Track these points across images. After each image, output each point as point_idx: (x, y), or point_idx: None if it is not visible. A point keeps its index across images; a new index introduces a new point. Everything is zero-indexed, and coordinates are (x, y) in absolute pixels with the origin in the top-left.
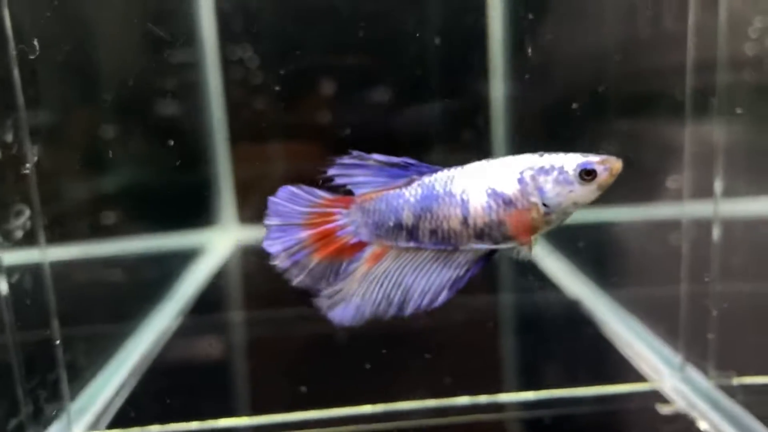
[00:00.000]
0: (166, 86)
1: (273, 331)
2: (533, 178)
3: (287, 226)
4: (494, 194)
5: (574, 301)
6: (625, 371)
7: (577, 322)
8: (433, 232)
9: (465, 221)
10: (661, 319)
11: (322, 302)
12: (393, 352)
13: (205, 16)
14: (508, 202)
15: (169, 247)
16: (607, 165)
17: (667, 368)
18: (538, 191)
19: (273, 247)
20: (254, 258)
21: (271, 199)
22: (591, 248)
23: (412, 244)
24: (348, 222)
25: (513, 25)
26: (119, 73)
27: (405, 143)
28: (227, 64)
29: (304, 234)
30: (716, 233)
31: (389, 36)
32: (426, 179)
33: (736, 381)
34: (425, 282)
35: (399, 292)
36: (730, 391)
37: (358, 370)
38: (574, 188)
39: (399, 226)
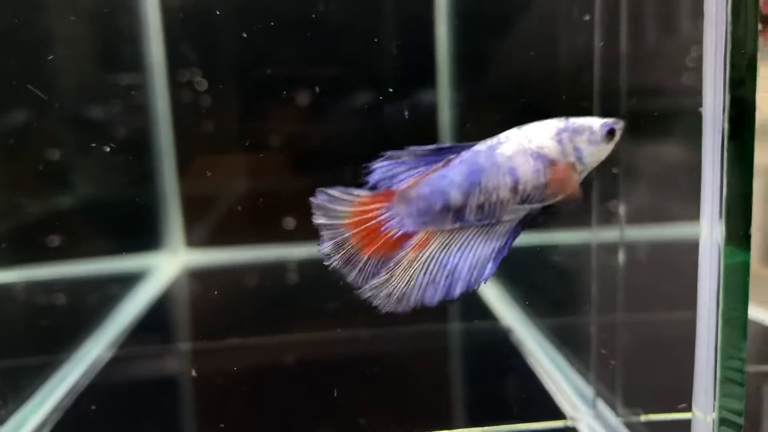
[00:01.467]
0: (111, 107)
1: (215, 362)
2: (570, 139)
3: (333, 227)
4: (539, 156)
5: (505, 330)
6: (544, 407)
7: (504, 354)
8: (480, 207)
9: (515, 188)
10: (579, 350)
11: (367, 291)
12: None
13: (153, 38)
14: (552, 163)
15: (110, 272)
16: (619, 126)
17: (583, 404)
18: (575, 151)
19: (325, 247)
20: (201, 283)
21: (313, 199)
22: (526, 274)
23: (457, 225)
24: (391, 215)
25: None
26: (61, 94)
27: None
28: (175, 85)
29: (348, 233)
30: (621, 258)
31: (337, 51)
32: (466, 154)
33: (644, 418)
34: (471, 259)
35: (445, 275)
36: (637, 430)
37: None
38: (601, 146)
39: (446, 208)
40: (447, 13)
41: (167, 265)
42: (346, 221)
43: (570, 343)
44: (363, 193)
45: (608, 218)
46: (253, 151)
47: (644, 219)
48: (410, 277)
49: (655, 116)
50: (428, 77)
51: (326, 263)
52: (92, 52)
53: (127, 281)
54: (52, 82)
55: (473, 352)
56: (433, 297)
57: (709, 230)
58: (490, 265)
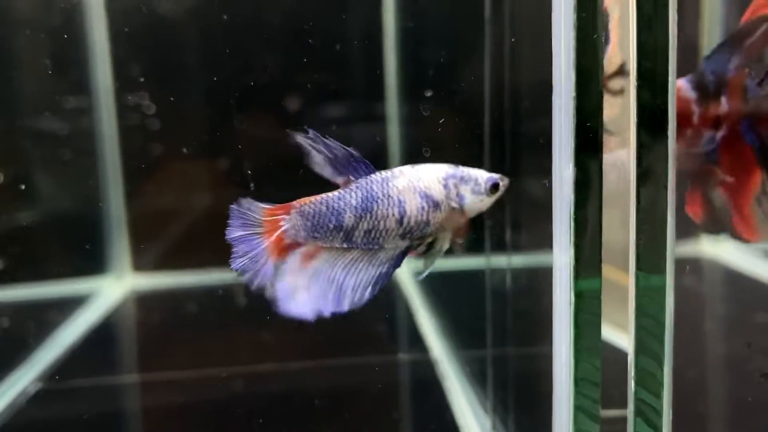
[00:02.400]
0: (56, 128)
1: (154, 396)
2: (456, 185)
3: (250, 238)
4: (426, 197)
5: (433, 363)
6: None
7: (426, 389)
8: (368, 232)
9: (400, 221)
10: (483, 381)
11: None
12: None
13: (99, 60)
14: (435, 205)
15: (51, 296)
16: (504, 182)
17: None
18: (458, 197)
19: (241, 264)
20: (146, 309)
21: (232, 206)
22: (458, 302)
23: (344, 245)
24: (290, 226)
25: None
26: (5, 115)
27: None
28: (121, 107)
29: (264, 244)
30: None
31: (286, 67)
32: (363, 181)
33: None
34: (355, 279)
35: (332, 289)
36: None
37: None
38: (483, 198)
39: (339, 228)
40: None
41: (112, 290)
42: (261, 231)
43: (479, 375)
44: (267, 205)
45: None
46: (201, 173)
47: (526, 246)
48: (308, 283)
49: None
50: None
51: (242, 278)
52: (37, 72)
53: (68, 306)
54: None
55: (398, 385)
56: (326, 307)
57: (560, 256)
58: (369, 290)
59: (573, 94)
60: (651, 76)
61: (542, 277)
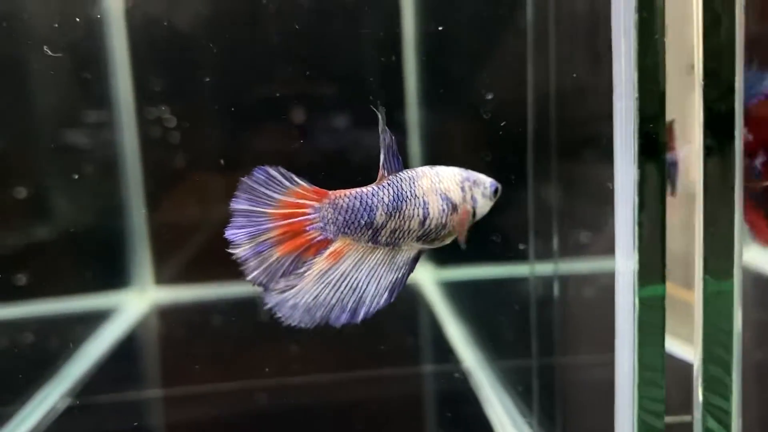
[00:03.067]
0: (78, 142)
1: (183, 411)
2: (470, 188)
3: (255, 214)
4: (446, 199)
5: (465, 374)
6: None
7: (461, 400)
8: (393, 232)
9: (423, 222)
10: (533, 396)
11: (270, 298)
12: None
13: (120, 73)
14: (453, 208)
15: (75, 311)
16: (499, 187)
17: None
18: (472, 200)
19: (235, 235)
20: (170, 322)
21: (245, 179)
22: (488, 312)
23: (370, 244)
24: (318, 217)
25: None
26: (27, 129)
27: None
28: (142, 120)
29: (272, 225)
30: (556, 293)
31: (307, 80)
32: (393, 179)
33: None
34: (376, 285)
35: (353, 297)
36: None
37: None
38: (488, 201)
39: (369, 225)
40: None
41: (135, 304)
42: (274, 211)
43: (519, 387)
44: (303, 183)
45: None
46: (222, 185)
47: (577, 252)
48: (320, 290)
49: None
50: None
51: (231, 251)
52: (58, 86)
53: (92, 321)
54: (16, 117)
55: (431, 398)
56: (339, 318)
57: (623, 262)
58: (386, 295)
59: (635, 95)
60: (717, 76)
61: (593, 284)
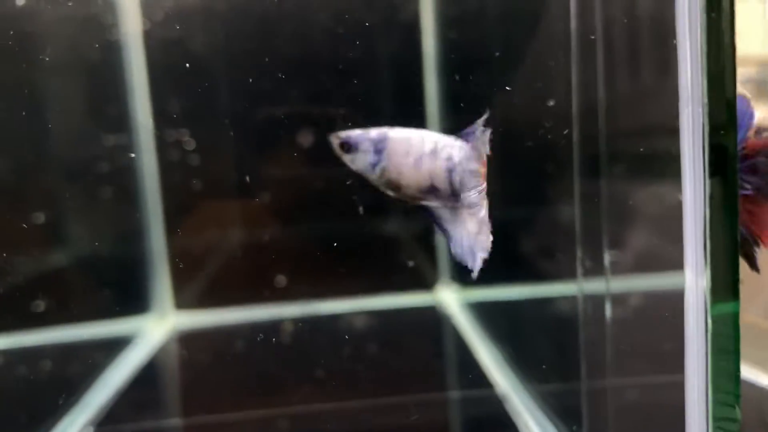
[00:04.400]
0: (96, 166)
1: None
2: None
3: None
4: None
5: (501, 398)
6: None
7: (498, 427)
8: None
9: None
10: (574, 421)
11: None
12: None
13: (138, 98)
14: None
15: (93, 337)
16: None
17: None
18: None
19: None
20: (191, 348)
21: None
22: (521, 333)
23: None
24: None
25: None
26: (46, 152)
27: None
28: (161, 143)
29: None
30: (608, 313)
31: (327, 99)
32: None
33: None
34: None
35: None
36: None
37: None
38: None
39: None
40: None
41: (155, 329)
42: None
43: (563, 412)
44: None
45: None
46: (242, 208)
47: (632, 268)
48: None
49: (637, 160)
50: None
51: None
52: (76, 109)
53: (113, 347)
54: (35, 140)
55: (465, 425)
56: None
57: (693, 279)
58: None
59: (704, 101)
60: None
61: (652, 302)
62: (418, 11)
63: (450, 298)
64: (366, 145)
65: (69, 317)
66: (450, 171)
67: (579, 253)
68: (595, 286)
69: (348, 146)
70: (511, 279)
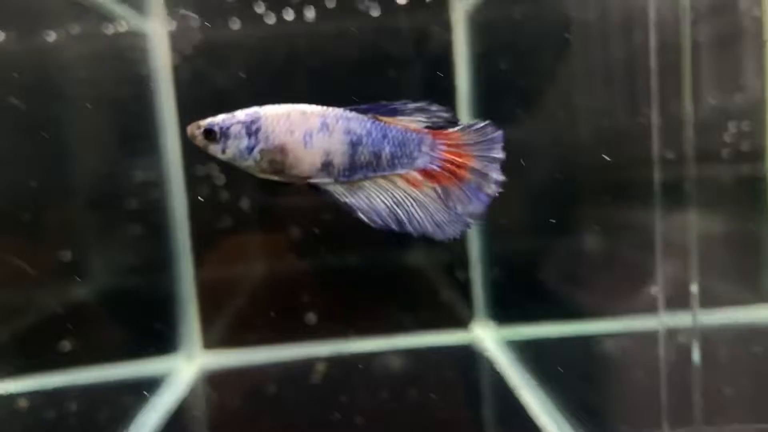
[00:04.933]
0: (124, 201)
1: None
2: None
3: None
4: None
5: None
6: None
7: None
8: None
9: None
10: None
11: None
12: None
13: (169, 133)
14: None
15: (121, 379)
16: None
17: None
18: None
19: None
20: (222, 390)
21: None
22: (568, 374)
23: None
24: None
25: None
26: (75, 185)
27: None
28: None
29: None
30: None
31: None
32: None
33: None
34: None
35: None
36: None
37: None
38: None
39: None
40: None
41: (184, 369)
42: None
43: None
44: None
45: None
46: (272, 245)
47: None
48: None
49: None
50: None
51: None
52: (106, 144)
53: (141, 389)
54: (62, 176)
55: None
56: None
57: None
58: None
59: None
60: None
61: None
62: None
63: (487, 336)
64: (236, 129)
65: (95, 357)
66: (354, 145)
67: (658, 284)
68: (679, 320)
69: (214, 134)
70: (561, 315)
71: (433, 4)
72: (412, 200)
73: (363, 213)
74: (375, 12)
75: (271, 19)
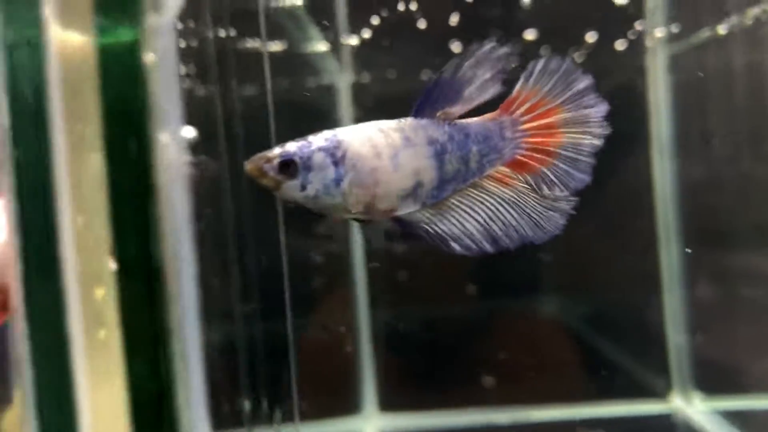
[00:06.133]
0: None
1: None
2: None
3: None
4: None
5: None
6: None
7: None
8: None
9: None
10: None
11: None
12: None
13: None
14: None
15: None
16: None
17: None
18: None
19: None
20: None
21: None
22: None
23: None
24: None
25: None
26: None
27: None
28: None
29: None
30: None
31: None
32: None
33: None
34: None
35: None
36: None
37: None
38: None
39: None
40: None
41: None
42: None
43: None
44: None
45: None
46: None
47: None
48: None
49: None
50: None
51: None
52: None
53: None
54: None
55: None
56: None
57: None
58: None
59: None
60: None
61: None
62: None
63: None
64: (320, 158)
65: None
66: (440, 155)
67: None
68: None
69: (293, 166)
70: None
71: None
72: (506, 205)
73: (456, 242)
74: None
75: None
